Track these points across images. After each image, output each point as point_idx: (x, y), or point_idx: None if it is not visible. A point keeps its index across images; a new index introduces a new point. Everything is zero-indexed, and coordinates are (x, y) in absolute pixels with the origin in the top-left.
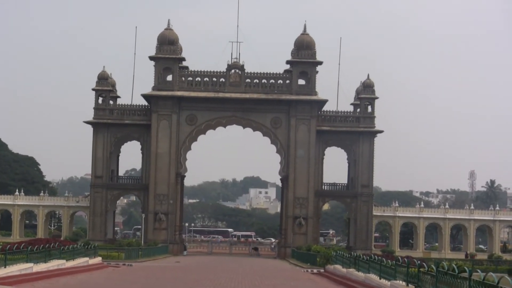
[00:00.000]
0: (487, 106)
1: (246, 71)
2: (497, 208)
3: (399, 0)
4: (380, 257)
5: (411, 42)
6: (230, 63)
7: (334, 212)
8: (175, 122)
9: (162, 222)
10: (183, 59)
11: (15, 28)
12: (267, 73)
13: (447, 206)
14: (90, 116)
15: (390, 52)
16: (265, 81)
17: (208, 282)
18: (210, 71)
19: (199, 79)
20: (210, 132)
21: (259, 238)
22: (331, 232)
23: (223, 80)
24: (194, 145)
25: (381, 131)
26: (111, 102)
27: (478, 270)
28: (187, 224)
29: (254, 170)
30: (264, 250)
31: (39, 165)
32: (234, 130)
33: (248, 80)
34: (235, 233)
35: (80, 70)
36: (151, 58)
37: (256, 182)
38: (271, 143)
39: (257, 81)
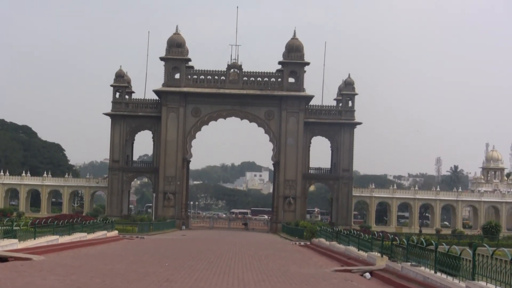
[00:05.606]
0: (451, 101)
1: (243, 70)
2: (460, 190)
3: (376, 8)
4: (358, 232)
5: (385, 48)
6: (229, 63)
7: (319, 192)
8: (182, 114)
9: (170, 201)
10: (189, 59)
11: (47, 31)
12: (261, 72)
13: (416, 188)
14: (108, 108)
15: (368, 55)
16: (260, 79)
17: (210, 252)
18: (212, 70)
19: (203, 77)
20: (212, 123)
21: (250, 216)
22: (316, 210)
23: (224, 78)
24: (198, 134)
25: (360, 123)
26: (126, 96)
27: (443, 243)
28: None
29: (250, 156)
30: (258, 225)
31: (64, 150)
32: (233, 121)
33: (245, 78)
34: (233, 210)
35: (100, 69)
36: (161, 58)
37: (251, 166)
38: (265, 132)
39: (253, 79)
